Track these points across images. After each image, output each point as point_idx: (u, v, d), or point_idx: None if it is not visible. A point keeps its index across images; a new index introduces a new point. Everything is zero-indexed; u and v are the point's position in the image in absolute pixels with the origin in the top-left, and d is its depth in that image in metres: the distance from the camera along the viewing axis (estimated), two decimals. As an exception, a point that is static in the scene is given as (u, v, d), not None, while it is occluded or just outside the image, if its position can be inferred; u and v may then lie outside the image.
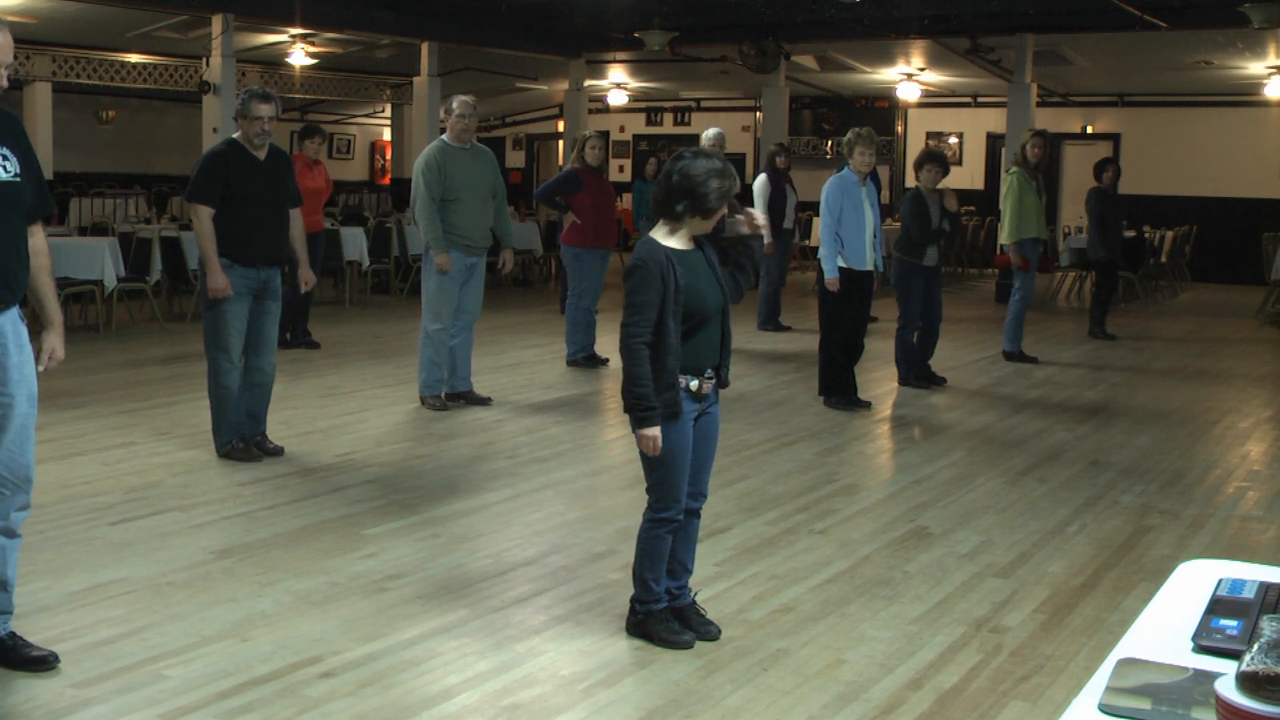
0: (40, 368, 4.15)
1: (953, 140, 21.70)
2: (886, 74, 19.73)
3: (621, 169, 24.09)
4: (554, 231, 15.18)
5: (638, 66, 20.63)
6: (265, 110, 6.67)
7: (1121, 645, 1.96)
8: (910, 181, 20.83)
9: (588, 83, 20.09)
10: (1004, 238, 10.86)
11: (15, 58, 3.98)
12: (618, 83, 21.72)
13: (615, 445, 7.62)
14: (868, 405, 8.82)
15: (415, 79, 18.16)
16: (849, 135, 8.66)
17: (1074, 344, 12.45)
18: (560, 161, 21.79)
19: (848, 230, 8.54)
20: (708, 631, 4.44)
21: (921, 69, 19.37)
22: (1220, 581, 2.19)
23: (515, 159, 26.04)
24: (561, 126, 22.05)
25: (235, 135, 6.82)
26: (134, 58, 18.07)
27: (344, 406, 8.53)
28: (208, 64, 15.43)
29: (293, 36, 16.82)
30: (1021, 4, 14.73)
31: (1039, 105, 17.55)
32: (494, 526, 5.85)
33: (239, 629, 4.43)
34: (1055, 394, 9.67)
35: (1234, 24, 13.94)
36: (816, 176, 14.36)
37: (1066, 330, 13.50)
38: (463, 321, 8.47)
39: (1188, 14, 14.49)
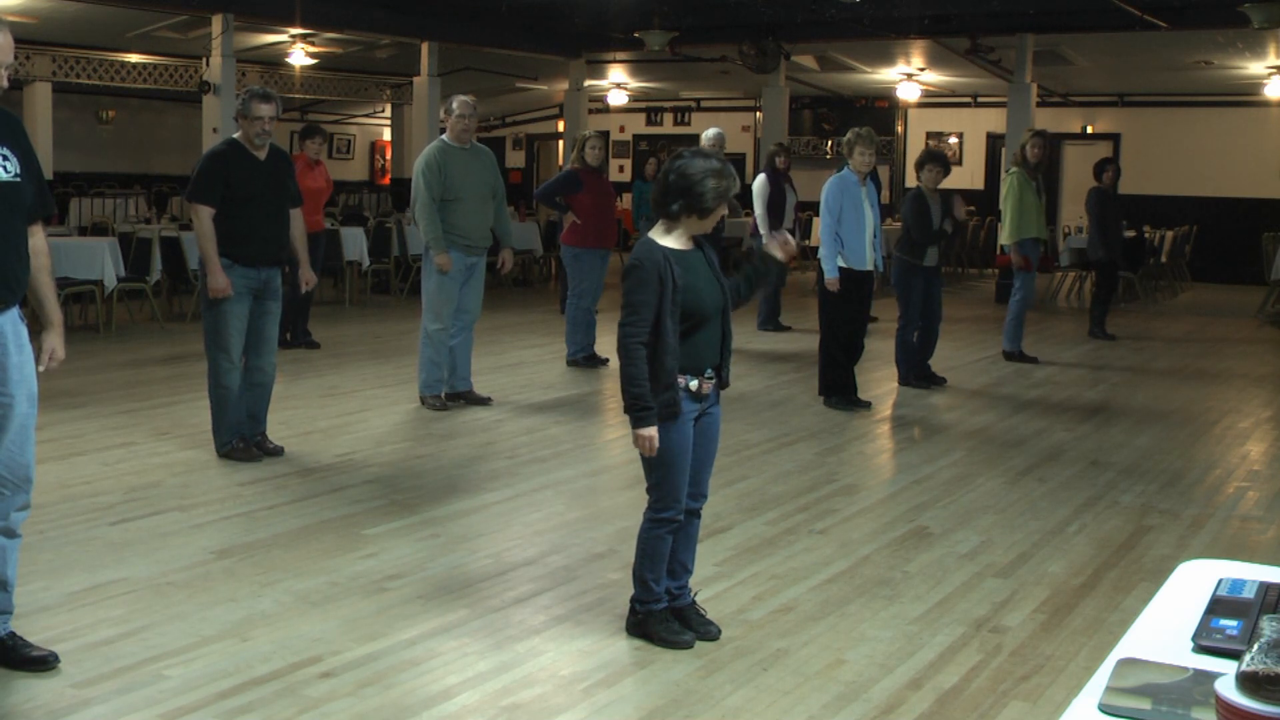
0: (41, 368, 4.15)
1: (953, 140, 21.70)
2: (886, 74, 19.73)
3: (621, 169, 24.09)
4: (554, 231, 15.18)
5: (638, 66, 20.62)
6: (266, 110, 6.67)
7: (1121, 645, 1.96)
8: (910, 181, 20.90)
9: (588, 83, 20.09)
10: (1004, 238, 10.86)
11: (15, 58, 3.98)
12: (618, 83, 21.72)
13: (615, 445, 7.62)
14: (868, 405, 8.82)
15: (415, 79, 18.16)
16: (849, 135, 8.66)
17: (1074, 344, 12.45)
18: (560, 161, 21.79)
19: (848, 230, 8.54)
20: (708, 631, 4.44)
21: (921, 69, 19.37)
22: (1220, 581, 2.19)
23: (515, 159, 26.04)
24: (561, 126, 22.05)
25: (236, 135, 6.82)
26: (134, 58, 18.07)
27: (344, 406, 8.54)
28: (208, 64, 15.42)
29: (293, 36, 16.82)
30: (1021, 4, 14.73)
31: (1039, 105, 17.55)
32: (494, 526, 5.85)
33: (239, 629, 4.43)
34: (1055, 394, 9.67)
35: (1234, 24, 13.93)
36: (816, 176, 14.35)
37: (1066, 330, 13.50)
38: (463, 321, 8.47)
39: (1188, 14, 14.49)
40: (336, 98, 21.78)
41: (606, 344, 9.60)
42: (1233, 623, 1.98)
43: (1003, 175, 11.48)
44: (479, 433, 7.82)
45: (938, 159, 9.65)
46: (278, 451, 6.99)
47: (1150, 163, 19.80)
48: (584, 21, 16.94)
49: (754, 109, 22.37)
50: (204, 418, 7.18)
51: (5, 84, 3.89)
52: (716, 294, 4.32)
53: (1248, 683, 1.62)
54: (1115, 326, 13.10)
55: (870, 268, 8.69)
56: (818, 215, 9.04)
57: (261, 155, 6.77)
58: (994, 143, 21.11)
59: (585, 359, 10.36)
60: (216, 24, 14.91)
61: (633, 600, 4.47)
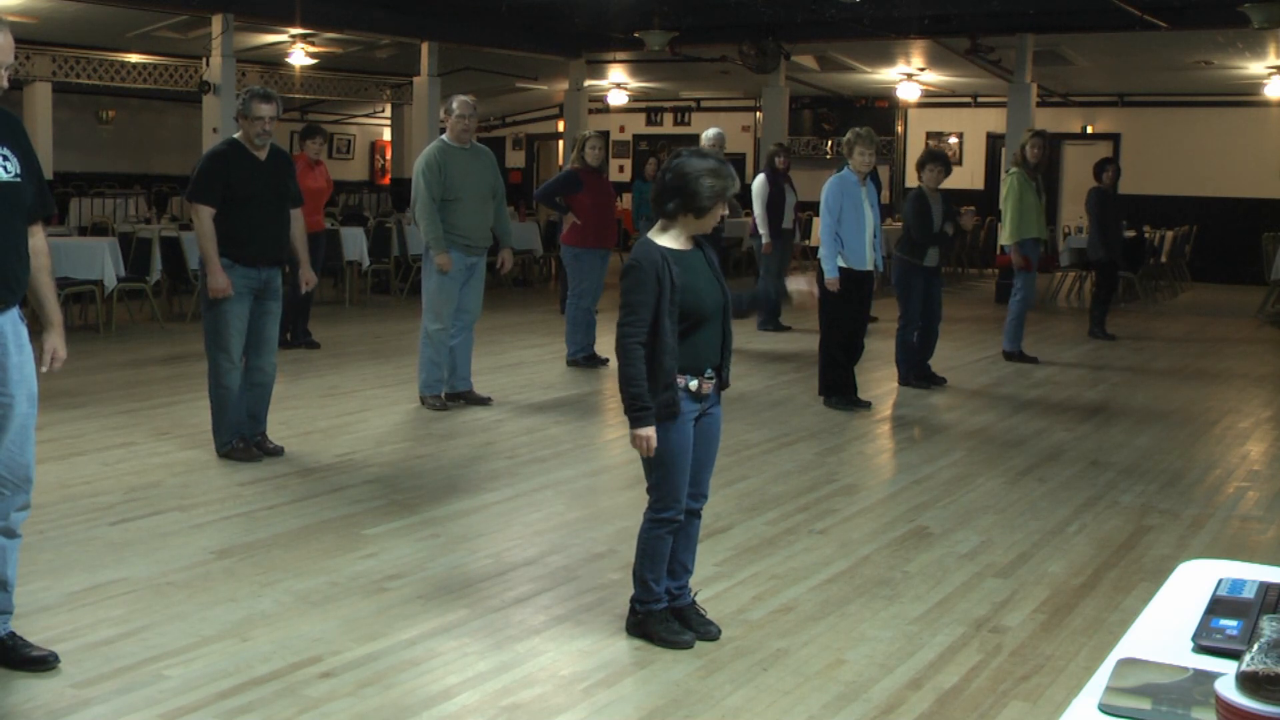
0: (43, 368, 4.15)
1: (953, 140, 21.70)
2: (886, 74, 19.73)
3: (621, 169, 24.09)
4: (554, 231, 15.18)
5: (638, 66, 20.62)
6: (266, 110, 6.67)
7: (1121, 645, 1.96)
8: (910, 181, 20.90)
9: (588, 83, 20.09)
10: (1005, 238, 10.86)
11: (15, 58, 3.98)
12: (618, 83, 21.72)
13: (615, 445, 7.62)
14: (868, 405, 8.82)
15: (415, 79, 18.16)
16: (849, 135, 8.66)
17: (1074, 344, 12.45)
18: (560, 161, 21.79)
19: (848, 230, 8.54)
20: (708, 631, 4.44)
21: (921, 69, 19.37)
22: (1220, 581, 2.19)
23: (515, 159, 26.04)
24: (561, 126, 22.05)
25: (236, 135, 6.82)
26: (134, 58, 18.07)
27: (344, 406, 8.54)
28: (208, 64, 15.42)
29: (293, 36, 16.82)
30: (1021, 4, 14.73)
31: (1039, 105, 17.55)
32: (494, 526, 5.85)
33: (239, 629, 4.43)
34: (1055, 394, 9.67)
35: (1234, 24, 13.93)
36: (816, 176, 14.35)
37: (1066, 330, 13.50)
38: (463, 321, 8.47)
39: (1188, 14, 14.49)
40: (336, 98, 21.78)
41: (606, 344, 9.58)
42: (1233, 623, 1.98)
43: (1003, 175, 11.48)
44: (479, 433, 7.82)
45: (939, 159, 9.65)
46: (278, 451, 6.99)
47: (1150, 163, 19.80)
48: (584, 21, 16.94)
49: (754, 109, 22.37)
50: (204, 418, 7.18)
51: (5, 84, 3.89)
52: (716, 294, 4.32)
53: (1248, 683, 1.62)
54: (1115, 326, 13.10)
55: (870, 268, 8.69)
56: (818, 215, 9.04)
57: (262, 155, 6.77)
58: (994, 143, 21.11)
59: (585, 359, 10.36)
60: (216, 24, 14.91)
61: (633, 600, 4.47)
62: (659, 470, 4.31)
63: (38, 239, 4.17)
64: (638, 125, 24.69)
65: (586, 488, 6.63)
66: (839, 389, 8.81)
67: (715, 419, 4.44)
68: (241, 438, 6.91)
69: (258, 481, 6.46)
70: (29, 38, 15.71)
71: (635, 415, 4.17)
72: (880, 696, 4.01)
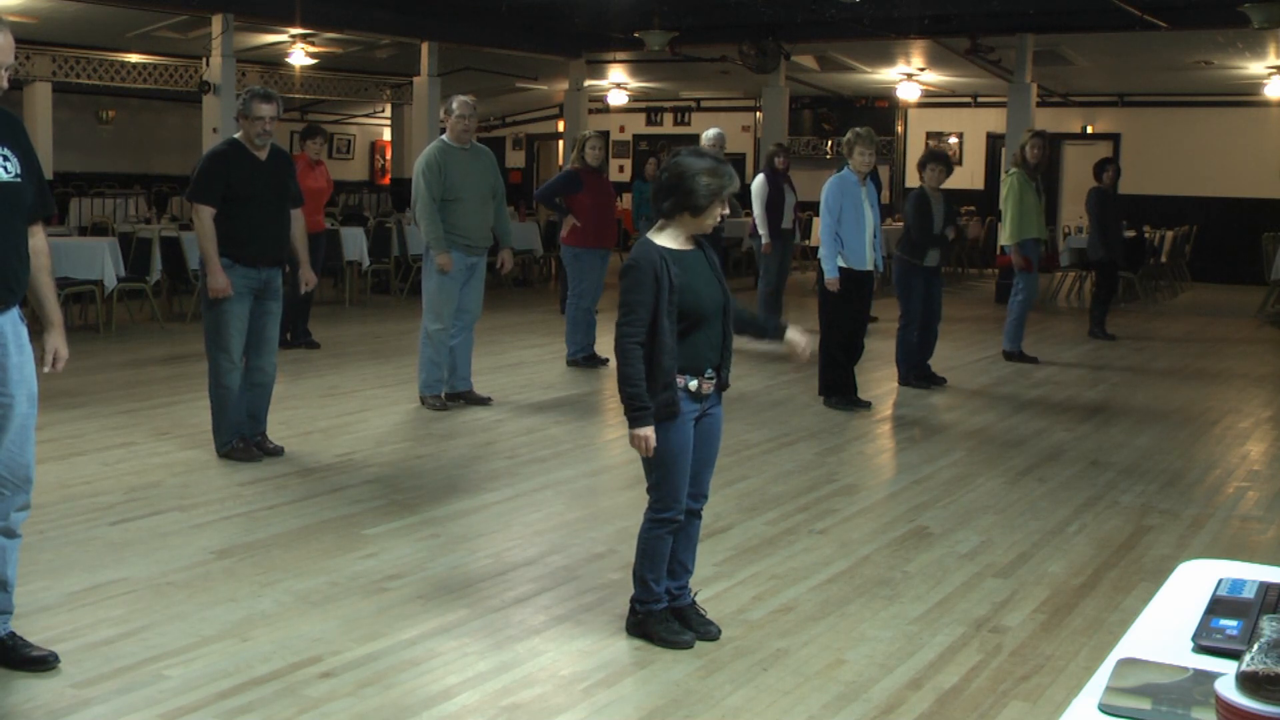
0: (46, 368, 4.15)
1: (953, 140, 21.69)
2: (886, 74, 19.73)
3: (621, 169, 24.09)
4: (554, 231, 15.17)
5: (638, 66, 20.62)
6: (267, 110, 6.66)
7: (1121, 645, 1.96)
8: (910, 181, 20.90)
9: (588, 83, 20.09)
10: (1005, 238, 10.85)
11: (15, 58, 3.98)
12: (618, 83, 21.72)
13: (615, 445, 7.62)
14: (868, 405, 8.83)
15: (415, 79, 18.16)
16: (849, 135, 8.66)
17: (1074, 344, 12.45)
18: (560, 161, 21.79)
19: (848, 230, 8.54)
20: (708, 631, 4.44)
21: (921, 69, 19.37)
22: (1220, 581, 2.19)
23: (515, 159, 26.04)
24: (561, 126, 22.05)
25: (237, 135, 6.82)
26: (134, 58, 18.07)
27: (344, 406, 8.54)
28: (208, 64, 15.42)
29: (293, 36, 16.82)
30: (1021, 4, 14.73)
31: (1039, 105, 17.55)
32: (494, 526, 5.85)
33: (239, 629, 4.43)
34: (1055, 394, 9.67)
35: (1234, 24, 13.93)
36: (816, 176, 14.34)
37: (1066, 330, 13.50)
38: (463, 321, 8.47)
39: (1188, 14, 14.49)
40: (336, 98, 21.78)
41: (606, 344, 9.57)
42: (1233, 623, 1.98)
43: (1003, 176, 11.48)
44: (479, 433, 7.82)
45: (940, 158, 9.65)
46: (278, 451, 6.99)
47: (1150, 163, 19.80)
48: (584, 21, 16.94)
49: (754, 109, 22.37)
50: (204, 418, 7.18)
51: (5, 84, 3.89)
52: (716, 294, 4.31)
53: (1248, 683, 1.62)
54: (1115, 326, 13.10)
55: (870, 268, 8.69)
56: (818, 215, 9.04)
57: (262, 155, 6.77)
58: (994, 143, 21.11)
59: (585, 359, 10.36)
60: (216, 24, 14.91)
61: (633, 600, 4.47)
62: (659, 470, 4.31)
63: (38, 239, 4.17)
64: (638, 125, 24.69)
65: (586, 488, 6.63)
66: (839, 389, 8.81)
67: (716, 419, 4.44)
68: (241, 438, 6.91)
69: (258, 481, 6.46)
70: (29, 38, 15.71)
71: (634, 415, 4.18)
72: (880, 696, 4.01)
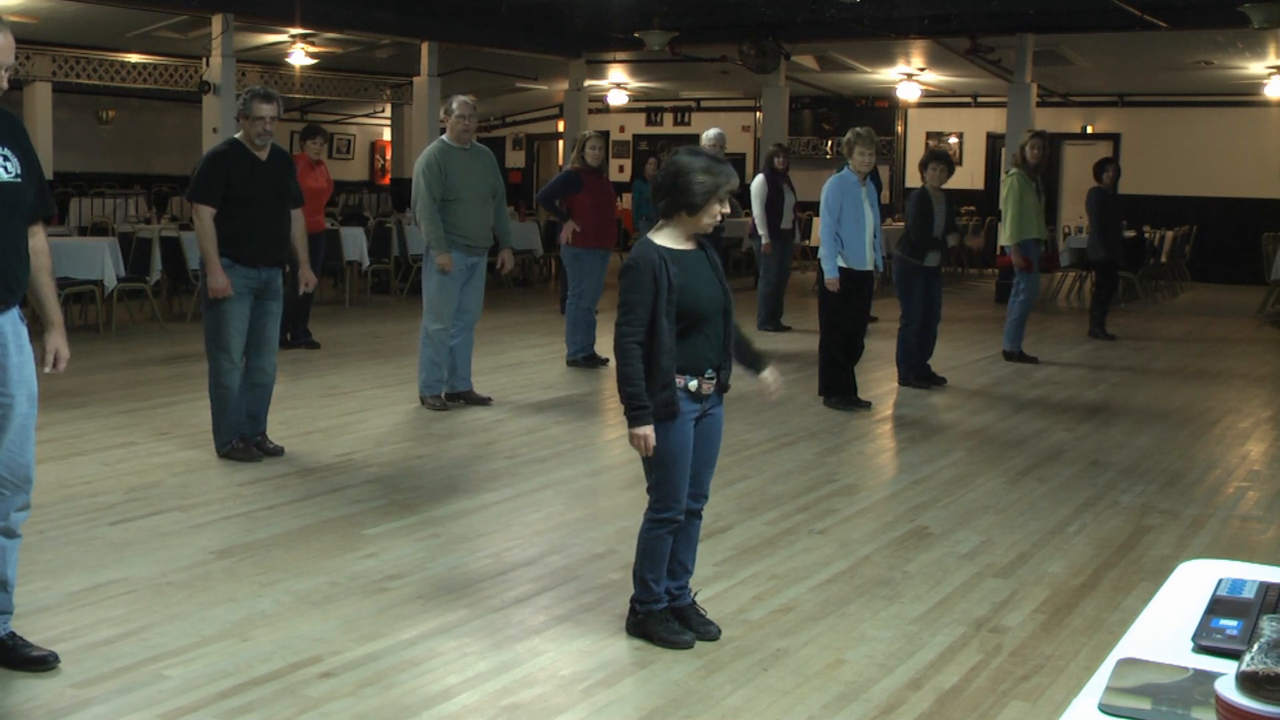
0: (46, 369, 4.15)
1: (953, 140, 21.69)
2: (886, 74, 19.73)
3: (621, 169, 24.09)
4: (554, 232, 15.18)
5: (638, 66, 20.62)
6: (267, 110, 6.66)
7: (1121, 645, 1.96)
8: (910, 181, 20.90)
9: (588, 83, 20.09)
10: (1005, 239, 10.85)
11: (15, 58, 3.98)
12: (618, 83, 21.72)
13: (615, 445, 7.62)
14: (868, 405, 8.82)
15: (415, 79, 18.16)
16: (849, 135, 8.66)
17: (1074, 344, 12.45)
18: (560, 161, 21.79)
19: (847, 230, 8.54)
20: (708, 631, 4.44)
21: (921, 69, 19.37)
22: (1220, 581, 2.19)
23: (515, 159, 26.04)
24: (561, 126, 22.05)
25: (237, 135, 6.82)
26: (134, 58, 18.07)
27: (344, 406, 8.54)
28: (208, 64, 15.42)
29: (293, 36, 16.82)
30: (1021, 4, 14.73)
31: (1039, 105, 17.55)
32: (494, 526, 5.85)
33: (239, 629, 4.43)
34: (1055, 394, 9.67)
35: (1234, 24, 13.93)
36: (816, 176, 14.34)
37: (1066, 330, 13.50)
38: (463, 321, 8.47)
39: (1188, 14, 14.50)
40: (336, 98, 21.78)
41: (606, 344, 9.58)
42: (1233, 623, 1.98)
43: (1003, 176, 11.48)
44: (479, 433, 7.82)
45: (941, 158, 9.65)
46: (278, 451, 6.99)
47: (1150, 163, 19.80)
48: (584, 21, 16.94)
49: (754, 109, 22.37)
50: (204, 418, 7.18)
51: (5, 84, 3.89)
52: (717, 295, 4.31)
53: (1248, 683, 1.62)
54: (1115, 326, 13.10)
55: (870, 268, 8.68)
56: (818, 215, 9.04)
57: (263, 155, 6.77)
58: (994, 143, 21.12)
59: (585, 359, 10.36)
60: (216, 24, 14.91)
61: (633, 600, 4.47)
62: (658, 470, 4.31)
63: (38, 239, 4.17)
64: (638, 125, 24.69)
65: (586, 488, 6.63)
66: (839, 389, 8.81)
67: (716, 420, 4.44)
68: (241, 438, 6.91)
69: (258, 481, 6.46)
70: (29, 38, 15.71)
71: (633, 414, 4.18)
72: (880, 696, 4.01)
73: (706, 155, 4.29)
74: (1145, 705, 1.72)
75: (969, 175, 21.13)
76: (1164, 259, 17.16)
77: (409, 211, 13.88)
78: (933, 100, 21.44)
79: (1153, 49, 16.58)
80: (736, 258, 18.39)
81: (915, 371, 9.74)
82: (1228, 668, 1.73)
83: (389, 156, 24.69)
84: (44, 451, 5.68)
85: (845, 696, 4.00)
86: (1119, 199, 12.78)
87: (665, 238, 4.30)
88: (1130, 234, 14.79)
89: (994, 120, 20.48)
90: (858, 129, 8.69)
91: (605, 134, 18.94)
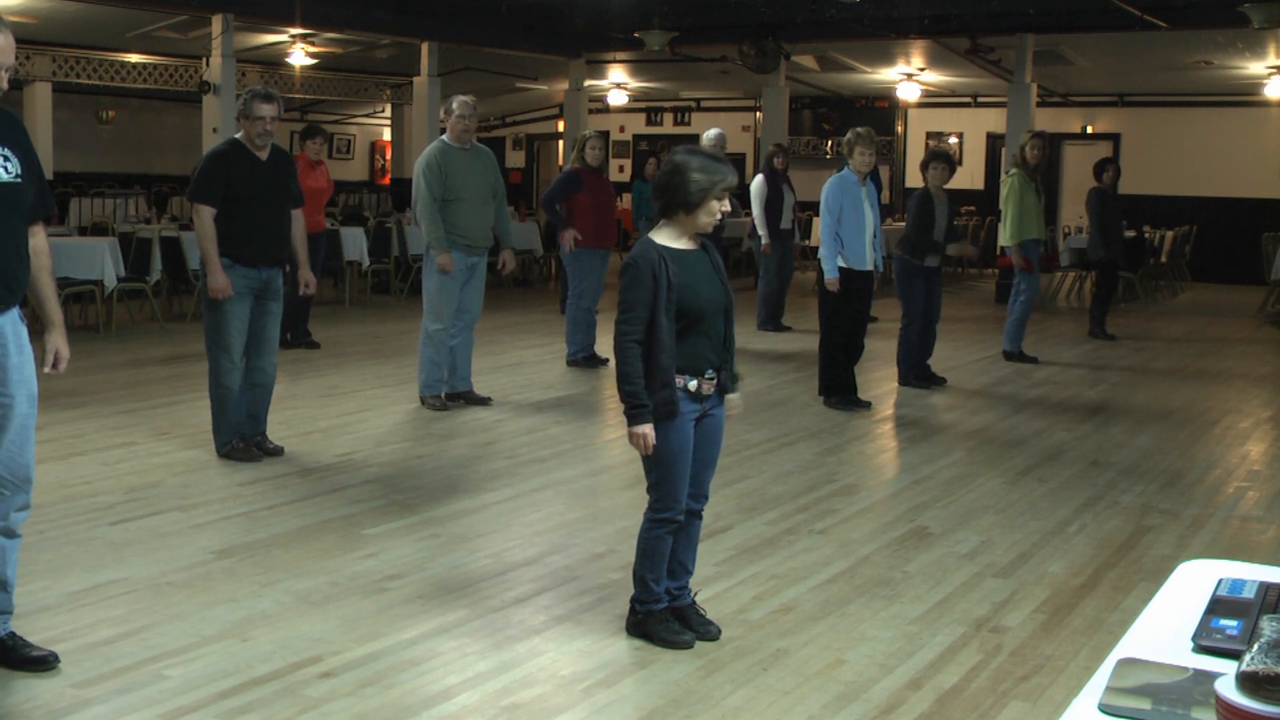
0: (46, 369, 4.15)
1: (953, 140, 21.69)
2: (886, 74, 19.73)
3: (621, 169, 24.09)
4: (554, 232, 15.18)
5: (638, 66, 20.62)
6: (267, 110, 6.66)
7: (1121, 645, 1.96)
8: (910, 181, 20.91)
9: (588, 83, 20.09)
10: (1005, 239, 10.84)
11: (15, 58, 3.98)
12: (618, 83, 21.72)
13: (615, 445, 7.62)
14: (868, 405, 8.82)
15: (415, 79, 18.16)
16: (849, 135, 8.66)
17: (1074, 344, 12.45)
18: (560, 161, 21.79)
19: (847, 230, 8.54)
20: (708, 631, 4.44)
21: (921, 69, 19.37)
22: (1220, 581, 2.19)
23: (515, 159, 26.04)
24: (561, 126, 22.05)
25: (237, 135, 6.81)
26: (134, 58, 18.07)
27: (344, 406, 8.54)
28: (208, 64, 15.42)
29: (293, 36, 16.82)
30: (1021, 4, 14.73)
31: (1039, 105, 17.55)
32: (494, 526, 5.85)
33: (239, 629, 4.43)
34: (1055, 394, 9.67)
35: (1234, 24, 13.93)
36: (816, 176, 14.36)
37: (1066, 330, 13.50)
38: (463, 321, 8.47)
39: (1188, 14, 14.49)
40: (336, 98, 21.78)
41: (606, 344, 9.57)
42: (1233, 623, 1.98)
43: (1003, 176, 11.48)
44: (479, 433, 7.82)
45: (942, 157, 9.65)
46: (278, 451, 6.99)
47: (1150, 163, 19.79)
48: (584, 21, 16.94)
49: (754, 109, 22.37)
50: (204, 418, 7.18)
51: (5, 85, 3.89)
52: (717, 295, 4.31)
53: (1248, 683, 1.62)
54: (1115, 326, 13.10)
55: (870, 268, 8.68)
56: (818, 215, 9.04)
57: (263, 155, 6.77)
58: (994, 143, 21.11)
59: (585, 359, 10.36)
60: (216, 24, 14.91)
61: (633, 600, 4.47)
62: (658, 470, 4.31)
63: (38, 239, 4.17)
64: (638, 125, 24.69)
65: (586, 488, 6.63)
66: (839, 389, 8.81)
67: (717, 420, 4.44)
68: (241, 438, 6.91)
69: (258, 481, 6.46)
70: (29, 38, 15.70)
71: (632, 413, 4.18)
72: (880, 696, 4.01)
73: (703, 154, 4.29)
74: (1145, 705, 1.72)
75: (969, 175, 21.12)
76: (1164, 259, 17.15)
77: (409, 211, 13.88)
78: (933, 100, 21.44)
79: (1153, 49, 16.57)
80: (736, 258, 18.39)
81: (915, 371, 9.74)
82: (1228, 668, 1.73)
83: (389, 156, 24.69)
84: (44, 451, 5.68)
85: (845, 696, 4.00)
86: (1119, 199, 12.78)
87: (666, 237, 4.30)
88: (1130, 234, 14.79)
89: (994, 120, 20.48)
90: (858, 129, 8.70)
91: (605, 134, 18.93)
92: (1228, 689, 1.63)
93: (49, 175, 14.34)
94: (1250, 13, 12.95)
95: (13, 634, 4.11)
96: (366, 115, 25.04)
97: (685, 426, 4.28)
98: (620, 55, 19.44)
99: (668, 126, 24.41)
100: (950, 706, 3.96)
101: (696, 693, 4.01)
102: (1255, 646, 1.67)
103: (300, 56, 17.29)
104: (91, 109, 21.68)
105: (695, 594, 4.58)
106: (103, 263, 11.32)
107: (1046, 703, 3.98)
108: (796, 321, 13.03)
